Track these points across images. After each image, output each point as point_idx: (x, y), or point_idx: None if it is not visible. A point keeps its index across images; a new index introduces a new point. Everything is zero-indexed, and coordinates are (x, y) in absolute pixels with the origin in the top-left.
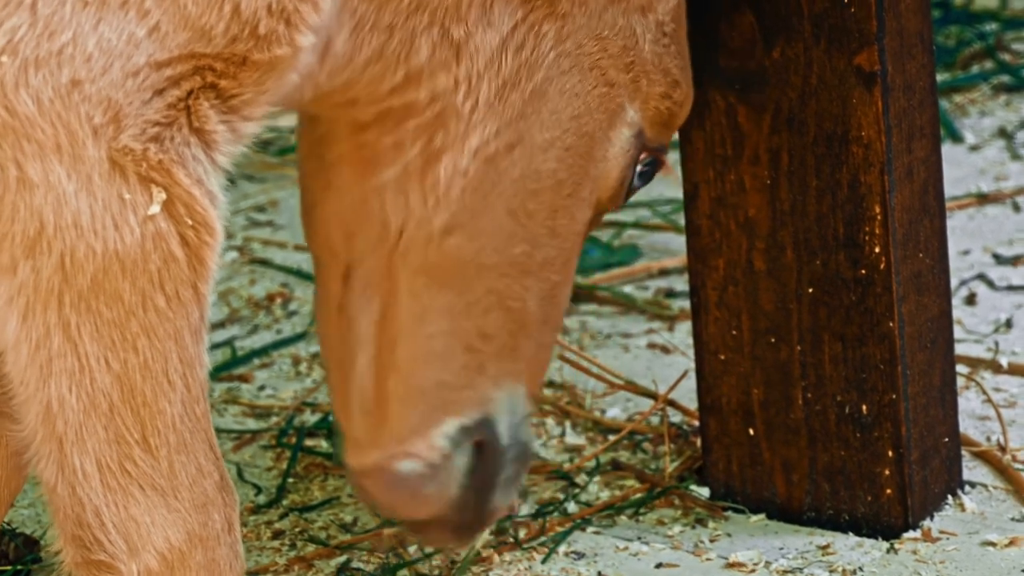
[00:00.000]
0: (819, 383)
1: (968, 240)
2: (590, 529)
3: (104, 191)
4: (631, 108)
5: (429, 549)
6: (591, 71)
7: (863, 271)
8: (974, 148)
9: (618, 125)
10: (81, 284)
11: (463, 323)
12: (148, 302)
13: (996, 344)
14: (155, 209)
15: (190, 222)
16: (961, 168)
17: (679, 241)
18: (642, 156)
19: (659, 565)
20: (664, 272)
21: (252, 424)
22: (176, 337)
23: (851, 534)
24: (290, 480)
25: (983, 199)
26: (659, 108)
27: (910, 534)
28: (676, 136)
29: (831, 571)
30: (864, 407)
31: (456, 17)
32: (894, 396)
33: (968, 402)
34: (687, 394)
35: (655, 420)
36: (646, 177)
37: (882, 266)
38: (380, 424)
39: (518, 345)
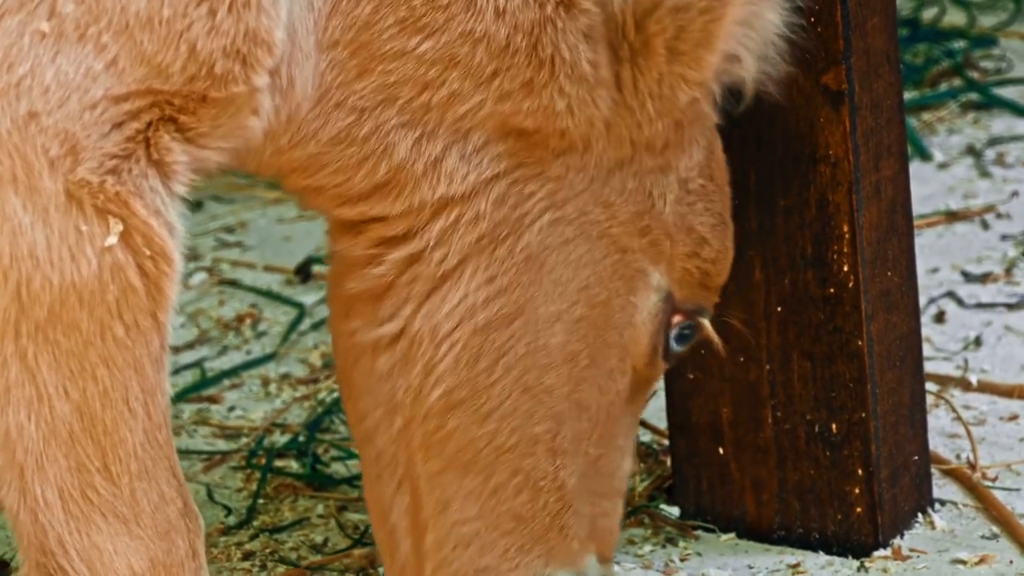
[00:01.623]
0: (788, 402)
1: (937, 258)
2: None
3: (60, 223)
4: (655, 271)
5: None
6: (600, 239)
7: (832, 290)
8: (943, 166)
9: (641, 289)
10: (38, 314)
11: (494, 507)
12: (107, 332)
13: (965, 362)
14: (112, 240)
15: (148, 252)
16: (929, 186)
17: None
18: (675, 319)
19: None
20: None
21: (222, 445)
22: (136, 366)
23: (821, 552)
24: (260, 501)
25: (952, 217)
26: (687, 268)
27: (880, 552)
28: None
29: None
30: (833, 425)
31: (428, 124)
32: (863, 414)
33: (938, 420)
34: (657, 413)
35: None
36: (685, 340)
37: (851, 284)
38: None
39: (565, 523)
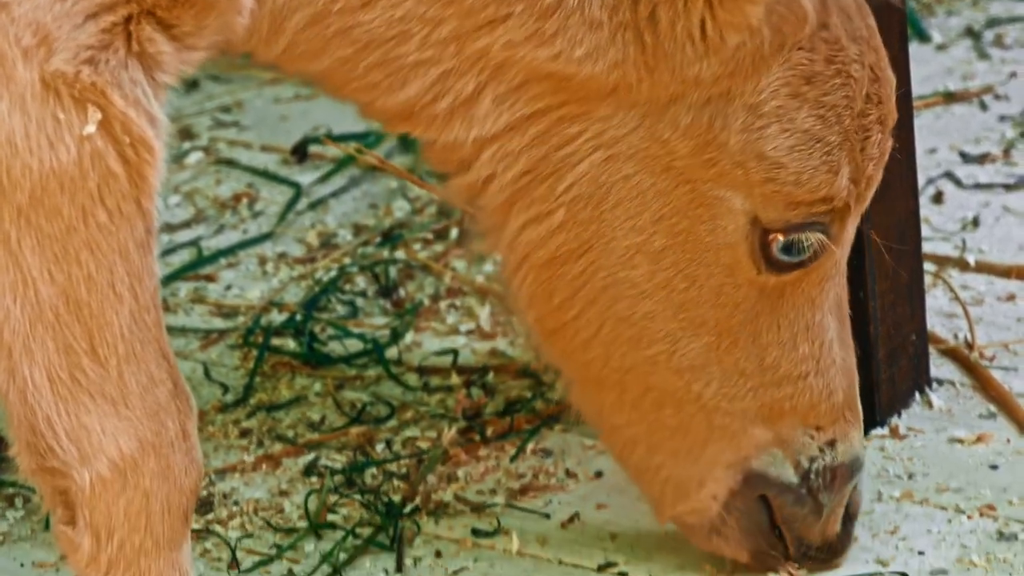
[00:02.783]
0: None
1: (935, 139)
2: (558, 427)
3: (38, 111)
4: (735, 196)
5: (397, 448)
6: (664, 173)
7: None
8: (941, 47)
9: (725, 215)
10: (20, 199)
11: (640, 418)
12: (89, 217)
13: (963, 242)
14: (91, 129)
15: (128, 140)
16: (928, 67)
17: None
18: (771, 238)
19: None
20: None
21: (219, 324)
22: (121, 250)
23: None
24: (257, 379)
25: (950, 98)
26: (765, 193)
27: (878, 431)
28: None
29: None
30: None
31: (445, 61)
32: (862, 294)
33: (935, 300)
34: None
35: None
36: (795, 251)
37: None
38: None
39: (723, 423)
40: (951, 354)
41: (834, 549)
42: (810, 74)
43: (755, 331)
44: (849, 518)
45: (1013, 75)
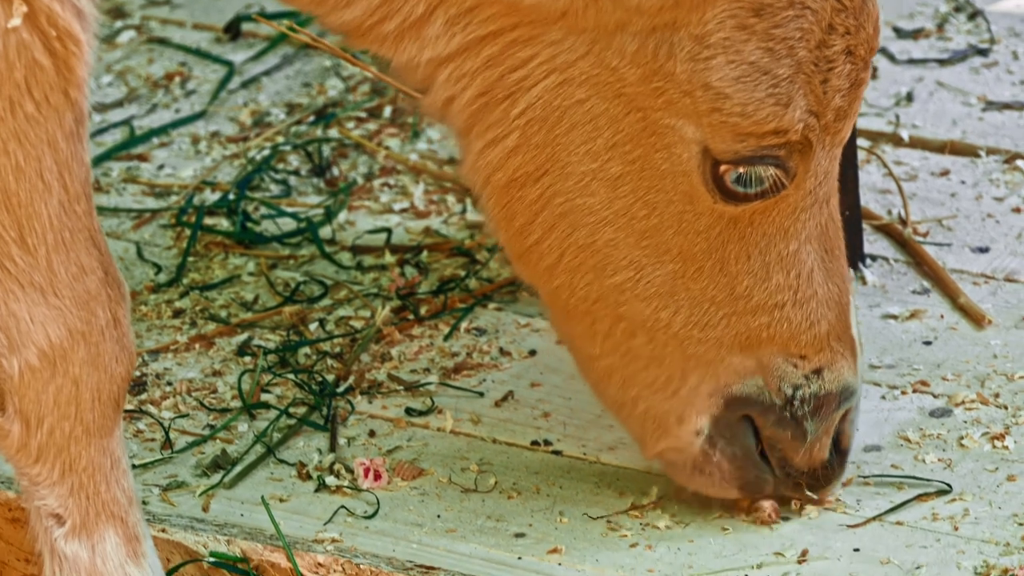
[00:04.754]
0: None
1: None
2: (491, 305)
3: None
4: (686, 125)
5: (331, 327)
6: (616, 99)
7: None
8: None
9: (678, 143)
10: None
11: (613, 348)
12: (17, 108)
13: (897, 117)
14: (16, 22)
15: (54, 33)
16: None
17: None
18: (722, 169)
19: (560, 340)
20: None
21: (151, 203)
22: (49, 140)
23: None
24: (190, 259)
25: None
26: (712, 123)
27: None
28: None
29: None
30: None
31: None
32: None
33: (869, 176)
34: None
35: None
36: (750, 184)
37: None
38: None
39: (697, 352)
40: (885, 230)
41: (823, 477)
42: (759, 6)
43: (723, 259)
44: (841, 452)
45: None
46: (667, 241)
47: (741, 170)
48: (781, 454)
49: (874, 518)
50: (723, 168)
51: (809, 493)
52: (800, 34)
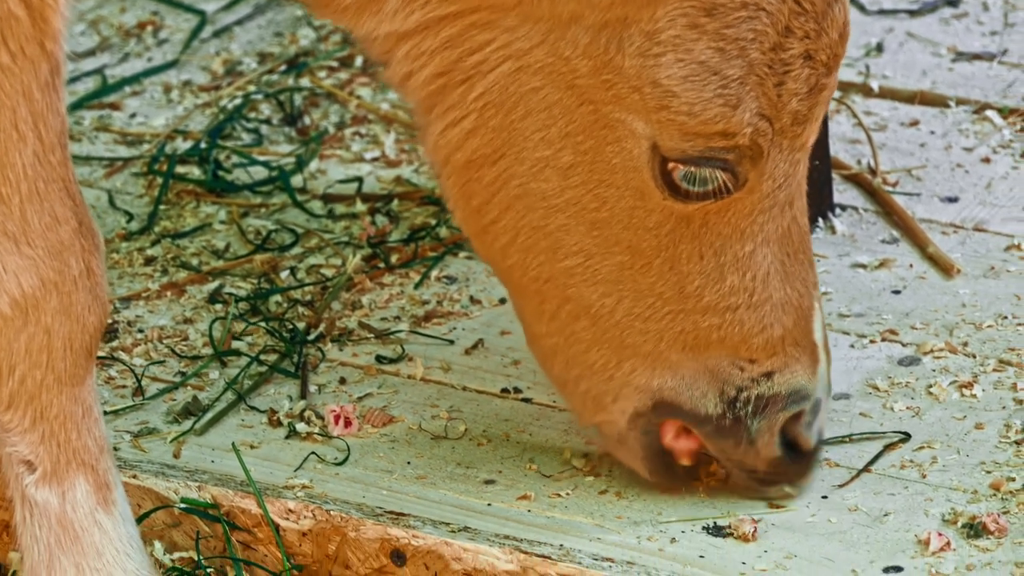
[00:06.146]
0: None
1: None
2: (462, 254)
3: None
4: (636, 121)
5: (301, 275)
6: (569, 90)
7: None
8: None
9: (628, 138)
10: None
11: (558, 329)
12: None
13: (867, 68)
14: None
15: None
16: None
17: None
18: (670, 167)
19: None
20: None
21: (123, 152)
22: (24, 91)
23: None
24: (162, 207)
25: None
26: (661, 120)
27: None
28: None
29: None
30: None
31: None
32: None
33: (839, 126)
34: None
35: None
36: (697, 182)
37: None
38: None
39: (636, 342)
40: (854, 180)
41: (793, 473)
42: (711, 5)
43: (674, 257)
44: (804, 454)
45: None
46: (616, 234)
47: (690, 169)
48: (738, 462)
49: (856, 476)
50: (671, 165)
51: (788, 490)
52: (753, 35)
